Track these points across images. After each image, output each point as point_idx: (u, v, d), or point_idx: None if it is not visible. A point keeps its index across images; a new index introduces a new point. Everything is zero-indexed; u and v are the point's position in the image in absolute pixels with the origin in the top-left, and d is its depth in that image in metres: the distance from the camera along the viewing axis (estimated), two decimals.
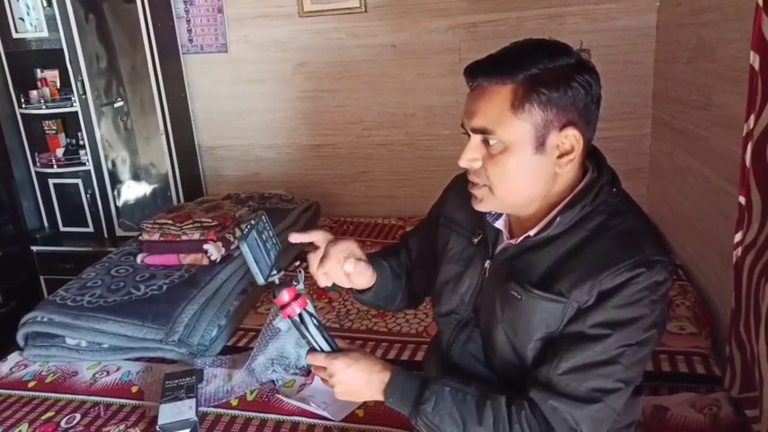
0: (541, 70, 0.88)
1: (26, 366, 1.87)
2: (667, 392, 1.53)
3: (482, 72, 0.91)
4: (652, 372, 1.60)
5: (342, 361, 0.99)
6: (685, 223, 2.18)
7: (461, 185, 1.06)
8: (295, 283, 1.00)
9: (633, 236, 0.90)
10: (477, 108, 0.92)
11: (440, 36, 2.80)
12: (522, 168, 0.91)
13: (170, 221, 2.21)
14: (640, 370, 0.93)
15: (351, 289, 1.15)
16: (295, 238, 1.04)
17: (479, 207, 0.99)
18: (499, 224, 1.04)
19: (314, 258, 1.04)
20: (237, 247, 2.25)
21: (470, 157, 0.94)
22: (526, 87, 0.88)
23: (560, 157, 0.92)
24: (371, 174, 3.07)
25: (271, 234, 1.02)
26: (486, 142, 0.92)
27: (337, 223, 2.90)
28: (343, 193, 3.13)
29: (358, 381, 1.00)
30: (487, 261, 1.04)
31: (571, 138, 0.90)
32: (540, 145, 0.90)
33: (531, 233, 0.96)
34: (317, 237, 1.05)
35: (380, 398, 1.00)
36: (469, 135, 0.95)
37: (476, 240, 1.07)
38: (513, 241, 0.99)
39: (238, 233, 2.29)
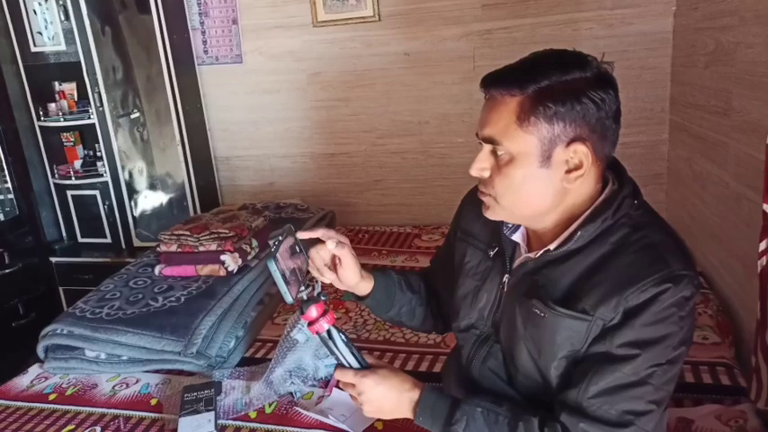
0: (551, 83, 0.88)
1: (47, 379, 1.88)
2: (692, 404, 1.50)
3: (493, 83, 0.92)
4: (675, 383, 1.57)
5: (371, 379, 0.98)
6: (705, 230, 2.15)
7: (476, 198, 1.05)
8: (323, 298, 0.98)
9: (658, 250, 0.88)
10: (486, 118, 0.93)
11: (454, 44, 2.79)
12: (527, 181, 0.91)
13: (187, 232, 2.22)
14: (671, 389, 0.91)
15: (358, 298, 1.16)
16: (302, 234, 1.04)
17: (488, 214, 0.99)
18: (516, 237, 1.03)
19: (315, 253, 1.04)
20: (254, 258, 2.26)
21: (480, 166, 0.96)
22: (533, 100, 0.88)
23: (569, 172, 0.91)
24: (386, 182, 3.07)
25: (298, 249, 1.00)
26: (495, 153, 0.93)
27: (352, 232, 2.90)
28: (357, 202, 3.13)
29: (388, 399, 0.99)
30: (506, 275, 1.02)
31: (580, 153, 0.89)
32: (546, 159, 0.90)
33: (551, 247, 0.95)
34: (322, 232, 1.04)
35: (410, 416, 1.00)
36: (482, 144, 0.95)
37: (492, 253, 1.06)
38: (532, 255, 0.98)
39: (255, 243, 2.30)
